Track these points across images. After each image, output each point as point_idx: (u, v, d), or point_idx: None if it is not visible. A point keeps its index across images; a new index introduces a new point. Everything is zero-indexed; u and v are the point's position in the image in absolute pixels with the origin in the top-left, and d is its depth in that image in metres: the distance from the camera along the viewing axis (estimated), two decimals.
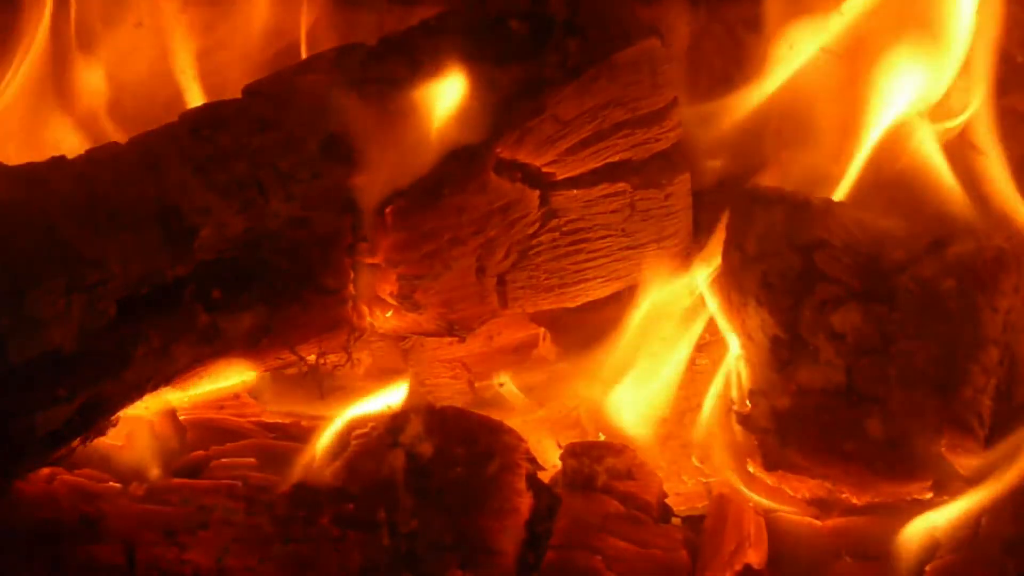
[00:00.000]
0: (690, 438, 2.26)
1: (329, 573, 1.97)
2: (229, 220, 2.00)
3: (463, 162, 2.12)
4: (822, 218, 2.14)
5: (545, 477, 2.14)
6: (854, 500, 2.09)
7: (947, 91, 2.34)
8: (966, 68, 2.33)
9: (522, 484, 2.07)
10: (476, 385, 2.38)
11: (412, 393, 2.26)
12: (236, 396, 2.25)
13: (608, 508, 2.06)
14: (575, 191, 2.22)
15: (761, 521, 2.11)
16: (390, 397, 2.24)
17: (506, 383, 2.35)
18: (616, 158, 2.25)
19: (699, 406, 2.26)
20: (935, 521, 2.02)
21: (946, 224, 2.21)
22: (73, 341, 1.87)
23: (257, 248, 2.03)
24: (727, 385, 2.23)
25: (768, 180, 2.34)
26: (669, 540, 2.04)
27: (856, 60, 2.36)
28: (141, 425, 2.18)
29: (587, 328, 2.33)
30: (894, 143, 2.33)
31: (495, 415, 2.20)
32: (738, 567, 2.02)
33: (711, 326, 2.30)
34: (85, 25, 2.58)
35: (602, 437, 2.27)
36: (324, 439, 2.13)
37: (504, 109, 2.14)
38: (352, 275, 2.10)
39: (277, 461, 2.10)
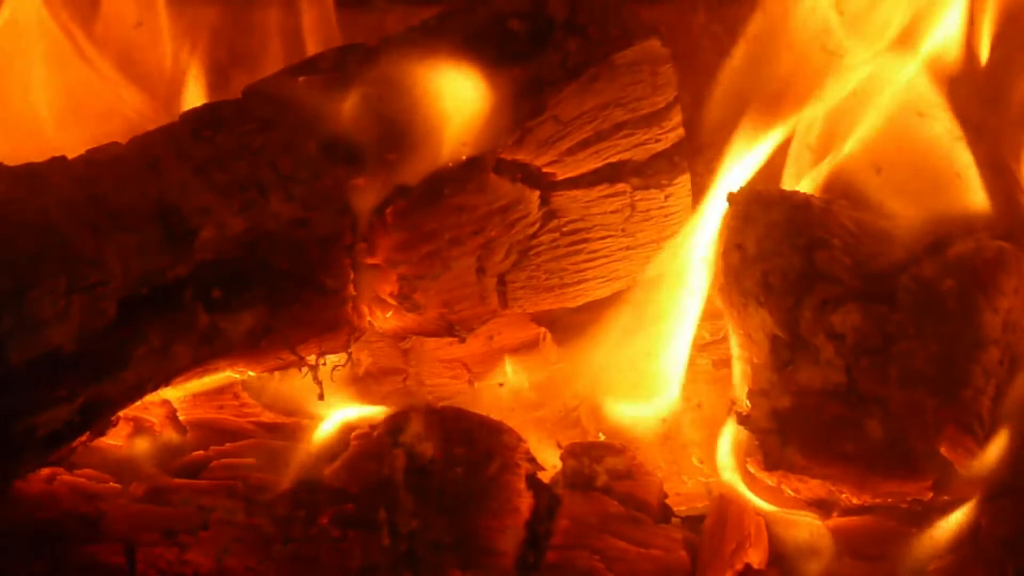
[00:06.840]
0: (690, 438, 2.26)
1: (329, 573, 1.97)
2: (229, 220, 2.00)
3: (463, 162, 2.13)
4: (822, 218, 2.14)
5: (545, 477, 2.14)
6: (854, 500, 2.09)
7: None
8: None
9: (522, 484, 2.07)
10: (476, 385, 2.38)
11: (412, 393, 2.27)
12: (236, 396, 2.25)
13: (608, 508, 2.06)
14: (575, 191, 2.22)
15: (761, 521, 2.11)
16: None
17: (506, 382, 2.35)
18: (616, 158, 2.25)
19: (699, 406, 2.26)
20: (935, 521, 2.02)
21: (946, 224, 2.21)
22: (73, 341, 1.87)
23: (257, 248, 2.03)
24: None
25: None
26: (669, 540, 2.05)
27: None
28: (141, 425, 2.18)
29: (587, 328, 2.33)
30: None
31: (495, 415, 2.20)
32: (738, 567, 2.03)
33: (711, 326, 2.30)
34: None
35: (602, 437, 2.27)
36: (323, 439, 2.13)
37: (504, 109, 2.14)
38: (352, 275, 2.10)
39: (277, 461, 2.11)
